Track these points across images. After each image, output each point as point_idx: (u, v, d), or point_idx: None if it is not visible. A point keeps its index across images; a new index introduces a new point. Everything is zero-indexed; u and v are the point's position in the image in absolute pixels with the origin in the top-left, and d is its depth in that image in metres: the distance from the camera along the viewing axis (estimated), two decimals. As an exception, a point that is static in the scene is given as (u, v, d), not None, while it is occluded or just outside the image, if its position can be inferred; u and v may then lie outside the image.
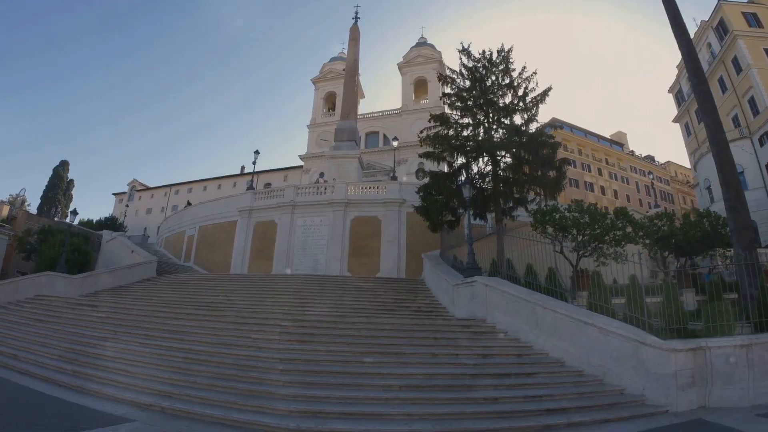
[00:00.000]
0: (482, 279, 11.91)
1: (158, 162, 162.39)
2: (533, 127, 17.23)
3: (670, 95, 40.44)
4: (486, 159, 17.33)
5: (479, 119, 17.52)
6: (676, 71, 37.73)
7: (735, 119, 29.44)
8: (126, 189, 62.58)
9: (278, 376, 8.00)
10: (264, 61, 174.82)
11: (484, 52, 18.43)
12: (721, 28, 30.13)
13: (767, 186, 27.16)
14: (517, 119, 17.43)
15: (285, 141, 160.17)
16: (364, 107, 50.85)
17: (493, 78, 18.00)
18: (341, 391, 7.33)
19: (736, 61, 28.97)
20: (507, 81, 17.87)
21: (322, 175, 48.04)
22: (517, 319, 10.48)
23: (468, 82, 18.27)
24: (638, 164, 57.31)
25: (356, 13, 37.85)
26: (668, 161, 62.14)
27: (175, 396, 7.60)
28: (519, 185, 16.48)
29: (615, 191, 51.73)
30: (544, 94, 17.29)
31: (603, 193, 50.26)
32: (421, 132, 18.94)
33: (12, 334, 12.56)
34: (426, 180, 18.82)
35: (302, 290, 16.05)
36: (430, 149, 18.10)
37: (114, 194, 63.39)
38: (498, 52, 18.08)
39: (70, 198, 59.30)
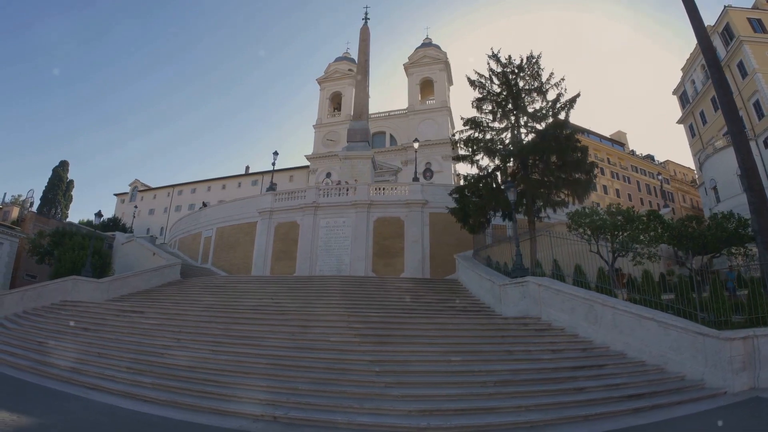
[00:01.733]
0: (534, 279, 12.48)
1: (159, 163, 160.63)
2: (563, 131, 17.85)
3: (669, 95, 41.83)
4: (517, 162, 17.92)
5: (512, 123, 18.10)
6: (680, 73, 39.00)
7: (739, 121, 30.55)
8: (127, 189, 61.82)
9: (378, 377, 8.12)
10: (264, 62, 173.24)
11: (510, 57, 18.97)
12: (727, 33, 31.26)
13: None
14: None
15: (285, 140, 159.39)
16: (369, 107, 51.00)
17: (522, 83, 18.56)
18: (445, 389, 7.63)
19: (741, 66, 30.11)
20: (536, 85, 18.45)
21: (329, 175, 48.16)
22: (574, 316, 11.08)
23: (496, 87, 18.80)
24: (639, 164, 58.49)
25: (366, 14, 38.22)
26: (667, 160, 63.71)
27: (281, 404, 7.26)
28: (550, 188, 17.10)
29: (617, 190, 52.93)
30: (573, 100, 17.87)
31: (605, 192, 51.38)
32: (453, 135, 19.47)
33: (60, 344, 11.70)
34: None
35: (346, 292, 16.32)
36: (463, 152, 18.65)
37: (115, 195, 62.58)
38: (527, 58, 18.62)
39: (70, 199, 58.38)
